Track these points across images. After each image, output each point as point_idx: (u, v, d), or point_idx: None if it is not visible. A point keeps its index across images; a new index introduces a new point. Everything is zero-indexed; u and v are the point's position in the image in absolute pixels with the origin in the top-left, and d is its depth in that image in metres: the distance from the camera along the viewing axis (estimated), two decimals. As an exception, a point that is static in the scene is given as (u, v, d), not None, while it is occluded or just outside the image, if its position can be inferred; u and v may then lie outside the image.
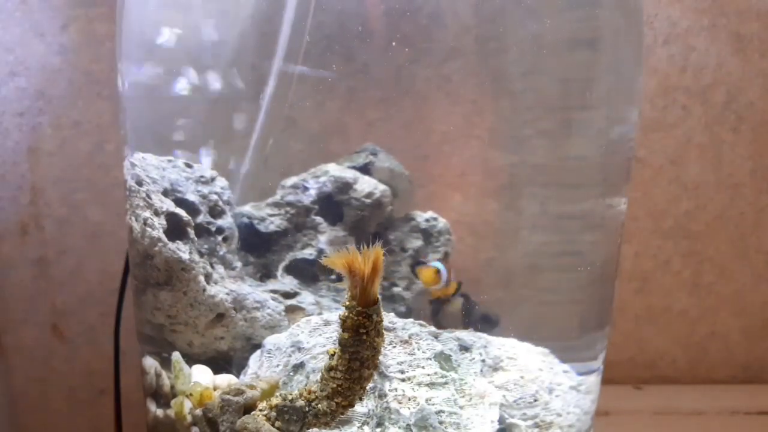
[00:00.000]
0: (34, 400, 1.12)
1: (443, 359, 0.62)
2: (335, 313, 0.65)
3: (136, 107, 0.71)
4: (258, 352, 0.67)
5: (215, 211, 0.73)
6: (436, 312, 0.74)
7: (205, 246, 0.71)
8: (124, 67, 0.70)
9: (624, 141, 0.71)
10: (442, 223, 0.79)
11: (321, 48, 0.71)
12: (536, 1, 0.67)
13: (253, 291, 0.72)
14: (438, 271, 0.70)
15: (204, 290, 0.68)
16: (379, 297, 0.52)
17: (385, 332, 0.55)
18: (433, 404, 0.59)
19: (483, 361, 0.64)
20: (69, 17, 1.01)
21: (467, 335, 0.66)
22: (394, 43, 0.68)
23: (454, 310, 0.73)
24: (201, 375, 0.65)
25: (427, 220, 0.79)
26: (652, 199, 1.11)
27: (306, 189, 0.77)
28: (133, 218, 0.67)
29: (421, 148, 0.77)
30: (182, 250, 0.67)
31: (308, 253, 0.77)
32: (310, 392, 0.55)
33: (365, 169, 0.79)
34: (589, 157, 0.72)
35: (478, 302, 0.73)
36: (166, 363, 0.67)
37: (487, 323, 0.71)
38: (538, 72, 0.70)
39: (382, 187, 0.78)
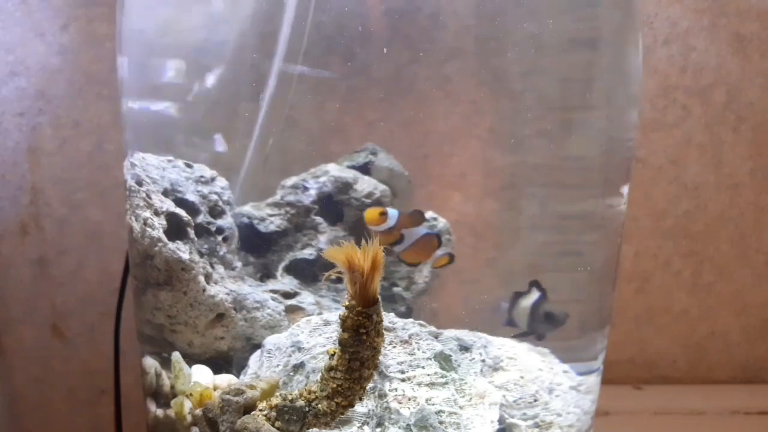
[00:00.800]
0: (34, 400, 1.12)
1: (443, 359, 0.62)
2: (335, 313, 0.65)
3: (136, 107, 0.71)
4: (258, 352, 0.67)
5: (215, 211, 0.73)
6: (512, 307, 0.72)
7: (205, 246, 0.71)
8: (124, 66, 0.70)
9: (624, 141, 0.71)
10: (442, 223, 0.79)
11: (321, 48, 0.71)
12: (536, 1, 0.67)
13: (253, 291, 0.72)
14: (384, 213, 0.68)
15: (204, 290, 0.68)
16: (379, 297, 0.52)
17: (385, 332, 0.55)
18: (433, 404, 0.59)
19: (483, 361, 0.64)
20: (69, 17, 1.01)
21: (467, 335, 0.66)
22: (394, 43, 0.68)
23: (527, 305, 0.71)
24: (201, 375, 0.65)
25: (427, 220, 0.79)
26: (652, 199, 1.11)
27: (306, 189, 0.77)
28: (133, 218, 0.67)
29: (421, 148, 0.77)
30: (182, 250, 0.67)
31: (308, 253, 0.77)
32: (310, 392, 0.55)
33: (365, 169, 0.79)
34: (589, 157, 0.72)
35: (548, 300, 0.71)
36: (166, 363, 0.67)
37: (550, 321, 0.70)
38: (538, 72, 0.70)
39: (382, 187, 0.78)
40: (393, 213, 0.68)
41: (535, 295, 0.71)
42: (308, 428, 0.55)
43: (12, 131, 1.04)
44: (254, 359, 0.66)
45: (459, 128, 0.74)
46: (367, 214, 0.68)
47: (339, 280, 0.76)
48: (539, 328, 0.70)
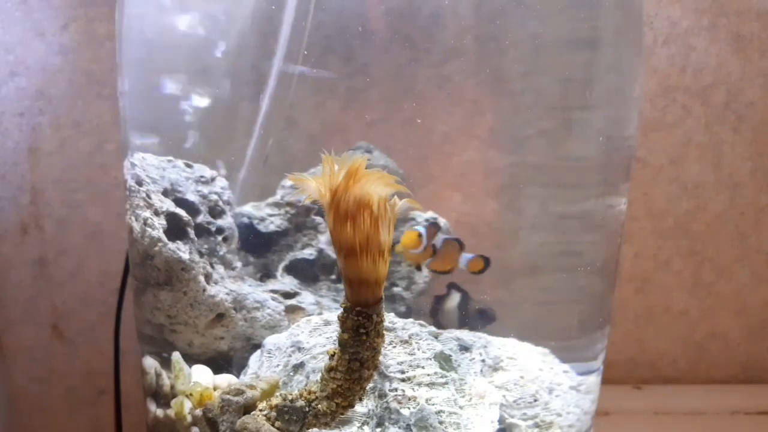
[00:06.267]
0: (34, 400, 1.12)
1: (443, 359, 0.62)
2: (335, 313, 0.65)
3: (136, 107, 0.71)
4: (258, 352, 0.67)
5: (215, 211, 0.73)
6: (435, 311, 0.74)
7: (205, 246, 0.71)
8: (124, 66, 0.70)
9: (624, 141, 0.71)
10: (442, 223, 0.79)
11: (321, 48, 0.71)
12: (536, 1, 0.67)
13: (253, 291, 0.72)
14: (420, 235, 0.68)
15: (204, 290, 0.68)
16: (382, 296, 0.52)
17: (385, 332, 0.55)
18: (433, 404, 0.59)
19: (483, 361, 0.64)
20: (69, 17, 1.01)
21: (467, 335, 0.66)
22: (394, 43, 0.68)
23: (452, 306, 0.72)
24: (201, 375, 0.65)
25: (427, 220, 0.79)
26: (652, 199, 1.11)
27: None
28: (133, 218, 0.67)
29: (421, 147, 0.77)
30: (182, 250, 0.67)
31: (308, 253, 0.77)
32: (310, 392, 0.55)
33: (362, 168, 0.79)
34: (589, 157, 0.72)
35: (474, 298, 0.72)
36: (166, 363, 0.67)
37: (483, 318, 0.70)
38: (538, 72, 0.70)
39: (382, 187, 0.78)
40: (422, 230, 0.68)
41: (456, 296, 0.72)
42: (308, 428, 0.55)
43: (12, 131, 1.04)
44: (254, 359, 0.66)
45: (459, 128, 0.74)
46: (405, 239, 0.69)
47: (339, 279, 0.76)
48: (473, 325, 0.70)
